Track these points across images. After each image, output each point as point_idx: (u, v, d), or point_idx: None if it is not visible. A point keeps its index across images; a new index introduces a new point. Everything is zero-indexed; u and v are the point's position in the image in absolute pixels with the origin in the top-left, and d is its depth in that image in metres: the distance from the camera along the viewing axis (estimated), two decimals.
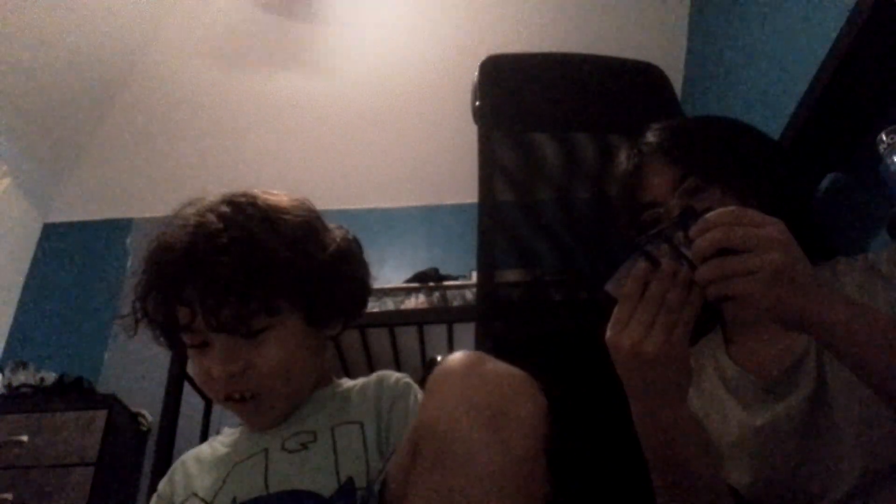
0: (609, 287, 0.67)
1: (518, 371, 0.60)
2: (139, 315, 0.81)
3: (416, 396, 0.83)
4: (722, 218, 0.61)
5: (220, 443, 0.90)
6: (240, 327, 0.77)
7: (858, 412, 0.71)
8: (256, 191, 0.85)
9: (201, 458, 0.88)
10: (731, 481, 0.80)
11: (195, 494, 0.80)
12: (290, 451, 0.78)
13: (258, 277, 0.76)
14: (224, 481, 0.78)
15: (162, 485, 0.88)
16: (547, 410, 0.58)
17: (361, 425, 0.79)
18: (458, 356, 0.61)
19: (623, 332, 0.65)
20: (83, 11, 2.62)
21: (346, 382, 0.92)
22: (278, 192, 0.87)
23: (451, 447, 0.53)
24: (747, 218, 0.61)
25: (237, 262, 0.75)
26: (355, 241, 0.91)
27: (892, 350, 0.59)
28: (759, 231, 0.60)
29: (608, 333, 0.67)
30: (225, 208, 0.81)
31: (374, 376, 0.89)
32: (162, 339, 0.85)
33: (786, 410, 0.77)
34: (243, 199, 0.83)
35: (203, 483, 0.81)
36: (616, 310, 0.66)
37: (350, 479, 0.73)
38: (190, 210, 0.81)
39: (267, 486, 0.74)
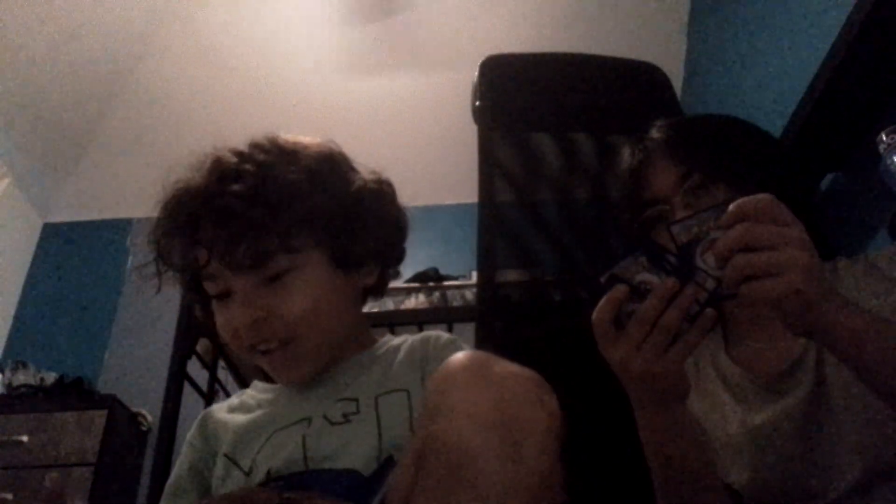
0: (617, 270, 0.64)
1: (529, 372, 0.56)
2: (159, 263, 0.77)
3: None
4: (749, 206, 0.60)
5: (254, 399, 0.84)
6: (257, 265, 0.72)
7: (858, 411, 0.71)
8: (279, 133, 0.82)
9: (234, 416, 0.82)
10: (730, 480, 0.80)
11: (226, 455, 0.76)
12: (333, 423, 0.73)
13: (274, 209, 0.71)
14: (261, 448, 0.74)
15: (192, 435, 0.83)
16: (561, 416, 0.54)
17: (408, 393, 0.75)
18: (461, 357, 0.57)
19: (612, 348, 0.65)
20: (84, 12, 2.62)
21: (392, 340, 0.87)
22: (304, 136, 0.84)
23: (460, 461, 0.49)
24: (777, 212, 0.59)
25: (250, 193, 0.71)
26: (387, 183, 0.86)
27: None
28: (785, 230, 0.58)
29: (600, 344, 0.66)
30: (242, 147, 0.78)
31: (419, 337, 0.84)
32: (187, 292, 0.81)
33: (785, 409, 0.77)
34: (261, 138, 0.80)
35: (238, 445, 0.76)
36: (596, 328, 0.65)
37: (390, 458, 0.68)
38: (206, 155, 0.78)
39: (306, 461, 0.70)
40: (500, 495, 0.48)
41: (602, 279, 0.65)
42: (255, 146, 0.78)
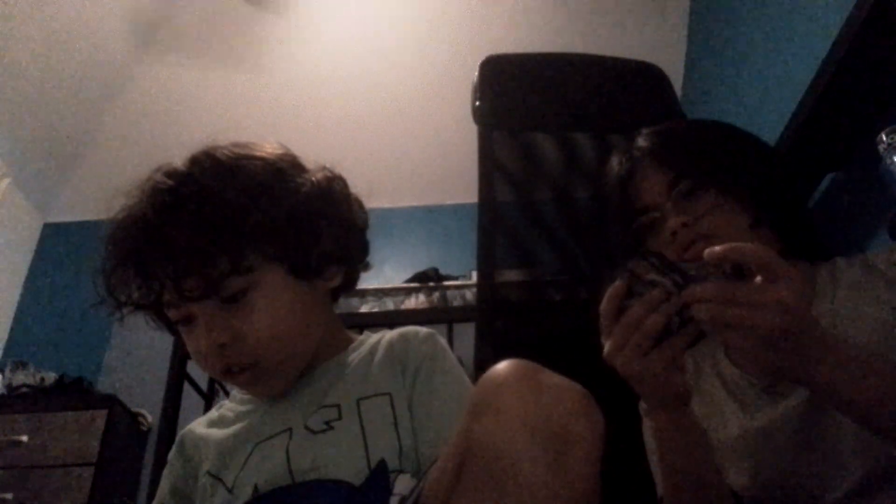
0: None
1: (576, 385, 0.55)
2: (117, 300, 0.74)
3: (443, 358, 0.78)
4: (742, 252, 0.60)
5: (233, 412, 0.83)
6: (211, 292, 0.70)
7: None
8: (221, 142, 0.78)
9: (214, 432, 0.80)
10: (729, 482, 0.80)
11: (209, 472, 0.75)
12: (315, 432, 0.72)
13: (218, 233, 0.69)
14: (245, 463, 0.72)
15: (172, 455, 0.82)
16: (604, 430, 0.54)
17: (391, 396, 0.74)
18: (507, 366, 0.56)
19: (605, 341, 0.67)
20: (84, 12, 2.62)
21: (369, 339, 0.85)
22: (248, 141, 0.80)
23: (504, 464, 0.49)
24: (768, 265, 0.59)
25: (192, 221, 0.69)
26: (338, 179, 0.83)
27: (881, 400, 0.60)
28: (765, 291, 0.58)
29: (602, 336, 0.68)
30: (180, 166, 0.75)
31: (396, 334, 0.83)
32: (154, 321, 0.79)
33: (785, 412, 0.77)
34: (201, 154, 0.76)
35: (220, 461, 0.75)
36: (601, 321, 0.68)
37: (382, 462, 0.68)
38: (147, 177, 0.75)
39: (291, 474, 0.69)
40: (542, 501, 0.48)
41: (620, 278, 0.66)
42: (194, 163, 0.75)
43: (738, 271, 0.61)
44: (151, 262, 0.70)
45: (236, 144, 0.79)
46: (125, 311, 0.75)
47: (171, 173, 0.74)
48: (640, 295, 0.64)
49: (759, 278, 0.59)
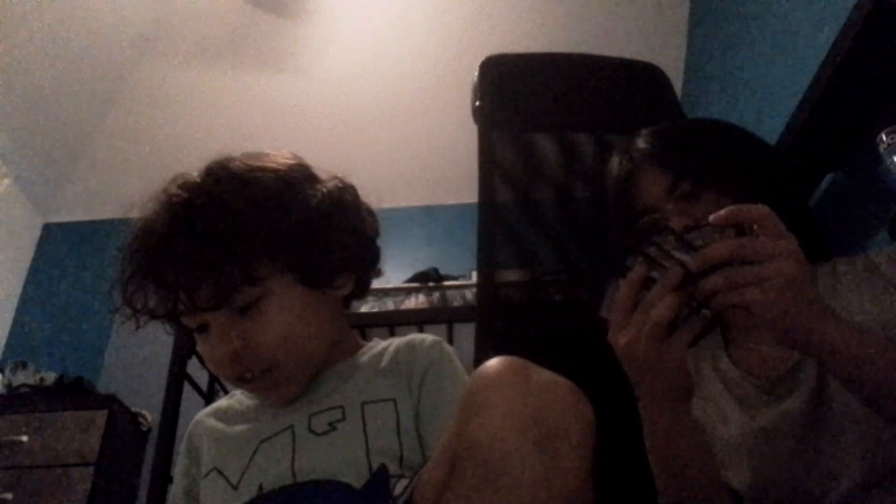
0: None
1: (565, 382, 0.56)
2: (133, 308, 0.76)
3: (449, 364, 0.80)
4: (743, 214, 0.61)
5: (242, 405, 0.85)
6: (223, 303, 0.72)
7: (859, 414, 0.71)
8: (236, 153, 0.80)
9: (222, 425, 0.82)
10: (730, 482, 0.80)
11: (215, 469, 0.76)
12: (319, 434, 0.73)
13: (229, 244, 0.71)
14: (250, 462, 0.74)
15: (183, 447, 0.85)
16: (595, 425, 0.54)
17: (395, 402, 0.75)
18: (496, 364, 0.57)
19: (620, 332, 0.66)
20: (83, 12, 2.62)
21: (377, 345, 0.87)
22: (263, 151, 0.82)
23: (494, 460, 0.50)
24: (771, 223, 0.61)
25: (204, 232, 0.70)
26: (350, 189, 0.85)
27: (886, 371, 0.60)
28: (773, 243, 0.60)
29: (609, 333, 0.67)
30: (194, 178, 0.77)
31: (404, 341, 0.84)
32: (167, 326, 0.80)
33: (786, 411, 0.77)
34: (216, 165, 0.78)
35: (226, 457, 0.77)
36: (613, 315, 0.67)
37: (383, 467, 0.69)
38: (164, 187, 0.77)
39: (294, 474, 0.70)
40: (532, 497, 0.48)
41: (639, 251, 0.65)
42: (209, 174, 0.77)
43: (741, 236, 0.62)
44: (165, 273, 0.72)
45: (250, 156, 0.81)
46: (142, 318, 0.77)
47: (186, 185, 0.76)
48: (653, 284, 0.63)
49: (761, 238, 0.60)
